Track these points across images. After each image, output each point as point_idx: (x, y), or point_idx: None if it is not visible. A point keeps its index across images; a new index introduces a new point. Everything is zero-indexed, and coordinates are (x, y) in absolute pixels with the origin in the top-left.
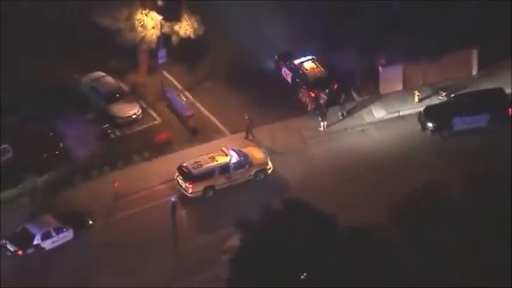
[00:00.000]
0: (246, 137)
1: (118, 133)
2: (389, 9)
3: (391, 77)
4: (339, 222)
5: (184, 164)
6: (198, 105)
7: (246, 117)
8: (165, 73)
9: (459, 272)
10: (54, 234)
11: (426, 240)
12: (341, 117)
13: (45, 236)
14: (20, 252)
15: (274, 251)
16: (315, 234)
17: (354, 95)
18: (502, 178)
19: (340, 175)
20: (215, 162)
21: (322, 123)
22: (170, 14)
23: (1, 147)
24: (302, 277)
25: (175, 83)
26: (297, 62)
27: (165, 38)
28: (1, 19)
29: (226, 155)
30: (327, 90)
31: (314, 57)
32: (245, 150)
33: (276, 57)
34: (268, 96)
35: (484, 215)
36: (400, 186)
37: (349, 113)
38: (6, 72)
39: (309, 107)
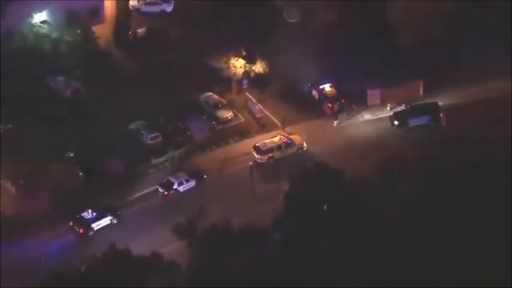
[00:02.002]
0: (283, 129)
1: (220, 127)
2: (374, 57)
3: (374, 96)
4: (344, 173)
5: (257, 144)
6: (265, 111)
7: (282, 118)
8: (247, 93)
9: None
10: (184, 183)
11: (393, 184)
12: (337, 124)
13: (180, 184)
14: (165, 193)
15: (308, 193)
16: (330, 181)
17: (353, 106)
18: (437, 151)
19: (344, 150)
20: (274, 143)
21: (335, 122)
22: (250, 59)
23: (154, 134)
24: (324, 207)
25: (252, 99)
26: (321, 87)
27: (247, 73)
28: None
29: (280, 139)
30: (338, 103)
31: (330, 84)
32: (291, 136)
33: (309, 84)
34: (304, 107)
35: (429, 173)
36: (378, 156)
37: (349, 116)
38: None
39: (328, 113)
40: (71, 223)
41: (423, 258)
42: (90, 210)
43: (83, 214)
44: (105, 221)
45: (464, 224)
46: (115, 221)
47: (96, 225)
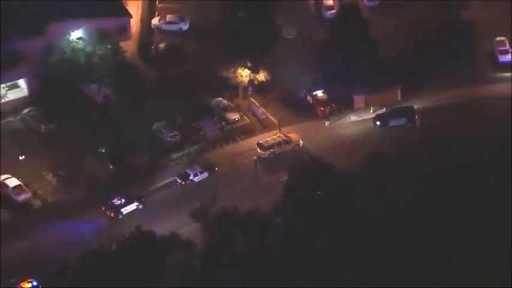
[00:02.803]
0: (280, 129)
1: (229, 127)
2: (359, 68)
3: (359, 101)
4: (335, 166)
5: (260, 141)
6: (267, 113)
7: (279, 119)
8: (252, 99)
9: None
10: (199, 174)
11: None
12: (329, 123)
13: (195, 175)
14: (183, 183)
15: (304, 183)
16: (323, 173)
17: (342, 109)
18: (413, 148)
19: (334, 147)
20: (275, 141)
21: (326, 123)
22: (254, 69)
23: (173, 133)
24: (318, 193)
25: (256, 103)
26: (314, 93)
27: (251, 81)
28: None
29: (280, 137)
30: (329, 107)
31: (322, 90)
32: (289, 135)
33: (304, 91)
34: (300, 110)
35: (406, 166)
36: (363, 151)
37: (339, 118)
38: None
39: (321, 115)
40: (103, 208)
41: (411, 252)
42: (119, 197)
43: (113, 200)
44: (132, 206)
45: (448, 218)
46: (141, 207)
47: (125, 210)
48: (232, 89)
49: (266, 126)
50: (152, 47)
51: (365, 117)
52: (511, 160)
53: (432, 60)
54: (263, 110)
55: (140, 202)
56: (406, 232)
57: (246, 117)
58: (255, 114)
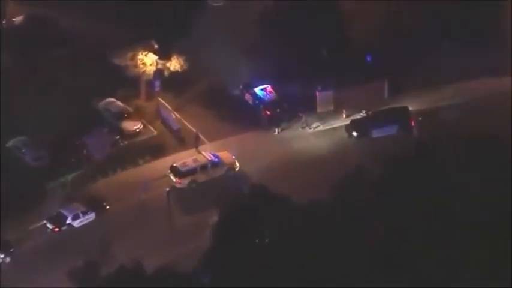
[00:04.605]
0: (197, 148)
1: (126, 142)
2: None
3: (325, 100)
4: (290, 198)
5: (175, 164)
6: (184, 121)
7: (195, 132)
8: (160, 98)
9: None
10: (81, 216)
11: (353, 208)
12: (279, 131)
13: (75, 217)
14: (56, 229)
15: (243, 225)
16: (271, 209)
17: (299, 113)
18: (408, 170)
19: (289, 169)
20: (197, 163)
21: (276, 131)
22: (163, 54)
23: (39, 154)
24: (266, 241)
25: (167, 105)
26: (256, 89)
27: (159, 72)
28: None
29: (205, 158)
30: (278, 109)
31: (268, 85)
32: (219, 154)
33: (241, 86)
34: (236, 115)
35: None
36: (332, 175)
37: (294, 126)
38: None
39: (266, 122)
40: None
41: None
42: None
43: None
44: None
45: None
46: (8, 260)
47: None
48: (130, 83)
49: (183, 141)
50: (3, 21)
51: (334, 125)
52: None
53: (432, 44)
54: (178, 115)
55: (7, 254)
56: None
57: (152, 128)
58: (165, 123)
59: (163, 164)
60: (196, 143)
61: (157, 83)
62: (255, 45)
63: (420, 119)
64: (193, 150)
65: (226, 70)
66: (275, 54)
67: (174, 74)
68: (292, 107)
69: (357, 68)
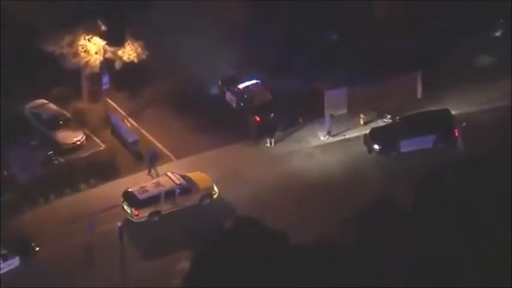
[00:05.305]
0: (149, 172)
1: (62, 160)
2: (330, 39)
3: (336, 100)
4: (287, 236)
5: (130, 190)
6: (143, 131)
7: (152, 150)
8: (108, 99)
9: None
10: (1, 262)
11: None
12: (272, 144)
13: None
14: None
15: (225, 272)
16: (264, 252)
17: (300, 119)
18: (453, 197)
19: (286, 195)
20: (160, 188)
21: (268, 144)
22: (113, 38)
23: None
24: None
25: (119, 109)
26: (241, 86)
27: (108, 64)
28: None
29: (172, 181)
30: (271, 113)
31: (257, 80)
32: (190, 175)
33: (219, 81)
34: (213, 121)
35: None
36: (347, 204)
37: (294, 136)
38: None
39: (255, 131)
40: None
41: None
42: None
43: None
44: None
45: None
46: None
47: None
48: (67, 79)
49: (141, 158)
50: None
51: (348, 135)
52: None
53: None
54: (133, 122)
55: None
56: None
57: (98, 140)
58: (116, 133)
59: (114, 189)
60: (152, 160)
61: (106, 79)
62: (239, 26)
63: (464, 124)
64: (154, 171)
65: (200, 60)
66: (267, 37)
67: (128, 66)
68: (291, 110)
69: (378, 57)
